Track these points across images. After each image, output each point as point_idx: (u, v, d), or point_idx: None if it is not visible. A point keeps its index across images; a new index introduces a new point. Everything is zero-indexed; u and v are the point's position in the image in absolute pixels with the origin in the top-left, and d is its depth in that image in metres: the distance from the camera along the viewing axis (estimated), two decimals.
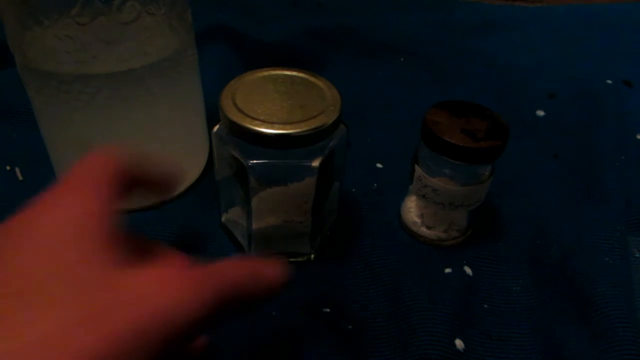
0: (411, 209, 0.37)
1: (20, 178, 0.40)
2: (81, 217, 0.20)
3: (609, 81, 0.54)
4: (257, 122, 0.28)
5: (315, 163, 0.29)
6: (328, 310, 0.32)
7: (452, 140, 0.31)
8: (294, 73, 0.32)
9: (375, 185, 0.41)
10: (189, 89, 0.37)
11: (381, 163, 0.43)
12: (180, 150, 0.38)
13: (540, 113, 0.50)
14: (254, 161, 0.29)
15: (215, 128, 0.31)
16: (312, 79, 0.32)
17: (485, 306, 0.33)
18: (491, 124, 0.33)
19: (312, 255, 0.35)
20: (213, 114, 0.42)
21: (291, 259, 0.35)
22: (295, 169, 0.30)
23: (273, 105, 0.30)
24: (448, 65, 0.56)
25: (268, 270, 0.23)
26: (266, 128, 0.28)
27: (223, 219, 0.36)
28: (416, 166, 0.35)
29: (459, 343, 0.31)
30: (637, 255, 0.37)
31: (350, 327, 0.31)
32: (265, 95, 0.30)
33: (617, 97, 0.51)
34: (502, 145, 0.32)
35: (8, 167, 0.41)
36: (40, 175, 0.40)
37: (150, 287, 0.19)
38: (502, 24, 0.64)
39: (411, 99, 0.51)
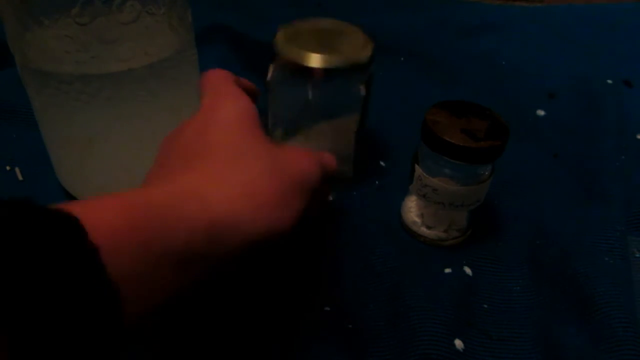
0: (411, 209, 0.37)
1: (20, 178, 0.40)
2: (241, 112, 0.29)
3: (609, 81, 0.54)
4: (301, 57, 0.36)
5: (362, 90, 0.37)
6: (328, 309, 0.32)
7: (452, 140, 0.31)
8: (335, 24, 0.40)
9: (377, 182, 0.41)
10: (189, 89, 0.37)
11: (384, 162, 0.43)
12: None
13: (541, 113, 0.50)
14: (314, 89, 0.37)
15: (269, 76, 0.38)
16: (351, 28, 0.39)
17: (485, 306, 0.33)
18: (491, 123, 0.33)
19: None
20: None
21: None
22: (345, 94, 0.37)
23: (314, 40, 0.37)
24: (448, 65, 0.56)
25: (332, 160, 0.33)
26: (307, 63, 0.35)
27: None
28: (416, 166, 0.35)
29: (458, 343, 0.31)
30: (637, 255, 0.37)
31: (350, 326, 0.31)
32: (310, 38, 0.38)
33: (617, 97, 0.51)
34: (502, 145, 0.32)
35: (8, 167, 0.41)
36: (40, 175, 0.40)
37: (295, 158, 0.29)
38: (502, 24, 0.64)
39: (411, 98, 0.51)
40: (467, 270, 0.35)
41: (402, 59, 0.56)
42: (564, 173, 0.43)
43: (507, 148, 0.33)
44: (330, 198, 0.40)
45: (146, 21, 0.31)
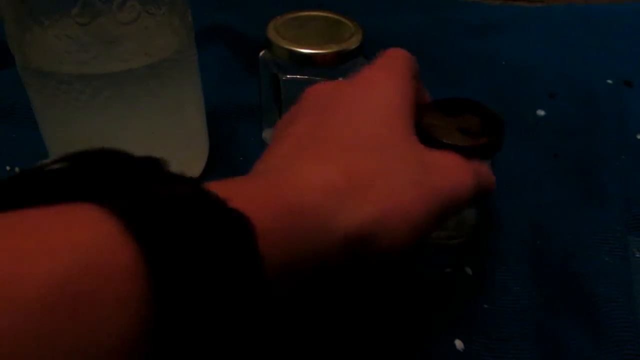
0: None
1: None
2: (393, 97, 0.25)
3: (609, 81, 0.54)
4: (293, 43, 0.37)
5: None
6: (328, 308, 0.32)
7: (451, 142, 0.31)
8: (325, 14, 0.40)
9: None
10: (189, 89, 0.37)
11: None
12: (180, 150, 0.38)
13: (541, 113, 0.50)
14: (288, 76, 0.38)
15: (261, 53, 0.39)
16: (341, 18, 0.40)
17: (485, 306, 0.33)
18: (484, 118, 0.32)
19: None
20: (213, 114, 0.42)
21: None
22: None
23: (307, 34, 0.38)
24: (448, 65, 0.56)
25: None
26: (300, 48, 0.36)
27: (263, 135, 0.44)
28: None
29: (458, 343, 0.31)
30: (637, 255, 0.37)
31: (350, 325, 0.31)
32: (302, 28, 0.39)
33: (617, 97, 0.51)
34: (500, 137, 0.32)
35: (8, 167, 0.41)
36: None
37: (447, 166, 0.25)
38: (502, 24, 0.64)
39: None
40: (467, 270, 0.35)
41: None
42: (564, 173, 0.43)
43: (507, 148, 0.32)
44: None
45: (146, 21, 0.31)
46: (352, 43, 0.37)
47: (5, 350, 0.13)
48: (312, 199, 0.21)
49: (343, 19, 0.39)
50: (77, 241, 0.14)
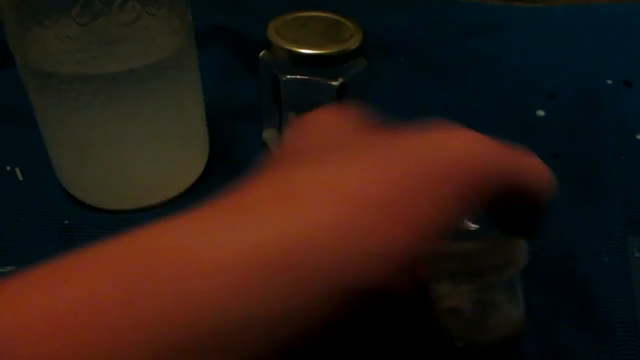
0: None
1: (20, 178, 0.40)
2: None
3: (609, 81, 0.54)
4: (293, 44, 0.37)
5: (335, 82, 0.37)
6: None
7: None
8: (326, 14, 0.40)
9: None
10: (189, 89, 0.37)
11: None
12: (180, 151, 0.38)
13: (541, 113, 0.50)
14: (288, 76, 0.38)
15: (261, 54, 0.39)
16: (341, 18, 0.40)
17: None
18: None
19: None
20: (213, 114, 0.42)
21: None
22: (319, 87, 0.37)
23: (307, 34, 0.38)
24: (448, 65, 0.56)
25: None
26: (300, 48, 0.36)
27: (263, 135, 0.44)
28: None
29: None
30: (637, 255, 0.37)
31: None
32: (302, 28, 0.39)
33: (617, 97, 0.51)
34: None
35: (8, 167, 0.41)
36: (40, 175, 0.40)
37: (439, 138, 0.17)
38: (502, 24, 0.64)
39: (411, 99, 0.51)
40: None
41: (402, 59, 0.56)
42: (564, 173, 0.43)
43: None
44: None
45: (146, 22, 0.31)
46: (352, 43, 0.37)
47: None
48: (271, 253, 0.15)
49: (343, 19, 0.39)
50: None
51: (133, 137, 0.35)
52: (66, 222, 0.37)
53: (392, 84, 0.53)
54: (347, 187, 0.15)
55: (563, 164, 0.44)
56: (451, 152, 0.17)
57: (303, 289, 0.14)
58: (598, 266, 0.34)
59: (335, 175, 0.16)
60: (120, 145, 0.35)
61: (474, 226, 0.23)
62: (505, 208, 0.19)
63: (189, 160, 0.40)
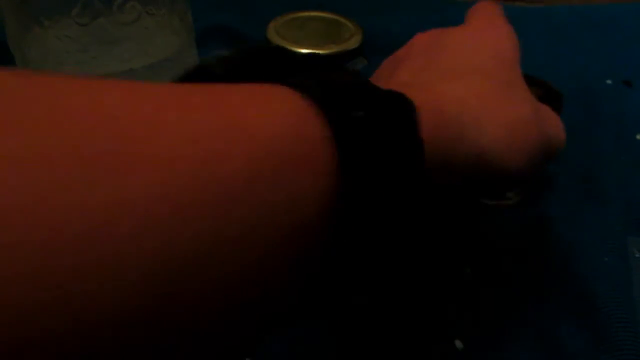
0: None
1: None
2: (513, 45, 0.28)
3: (608, 81, 0.54)
4: (293, 44, 0.37)
5: None
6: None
7: None
8: (325, 14, 0.41)
9: None
10: None
11: None
12: None
13: None
14: None
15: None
16: (340, 18, 0.40)
17: (486, 306, 0.33)
18: (545, 90, 0.35)
19: None
20: None
21: None
22: None
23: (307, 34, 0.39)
24: None
25: None
26: (300, 48, 0.37)
27: None
28: None
29: (458, 343, 0.31)
30: (637, 255, 0.37)
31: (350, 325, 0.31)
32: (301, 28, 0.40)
33: (617, 97, 0.51)
34: (559, 108, 0.34)
35: None
36: None
37: (552, 118, 0.26)
38: None
39: None
40: (467, 269, 0.35)
41: None
42: (564, 173, 0.43)
43: None
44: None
45: (146, 22, 0.31)
46: (352, 43, 0.37)
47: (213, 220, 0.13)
48: (450, 109, 0.21)
49: (343, 19, 0.40)
50: (279, 110, 0.16)
51: None
52: None
53: None
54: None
55: (563, 164, 0.44)
56: (558, 134, 0.26)
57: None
58: (598, 266, 0.34)
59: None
60: None
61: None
62: None
63: None
